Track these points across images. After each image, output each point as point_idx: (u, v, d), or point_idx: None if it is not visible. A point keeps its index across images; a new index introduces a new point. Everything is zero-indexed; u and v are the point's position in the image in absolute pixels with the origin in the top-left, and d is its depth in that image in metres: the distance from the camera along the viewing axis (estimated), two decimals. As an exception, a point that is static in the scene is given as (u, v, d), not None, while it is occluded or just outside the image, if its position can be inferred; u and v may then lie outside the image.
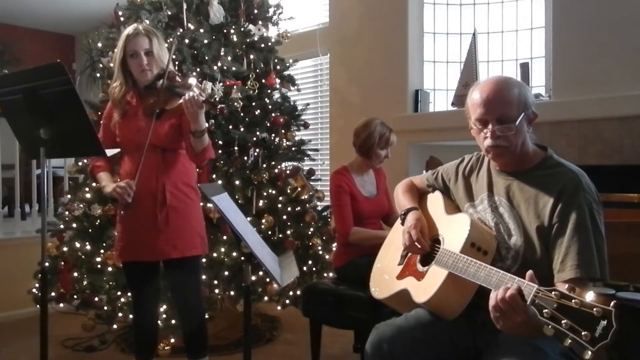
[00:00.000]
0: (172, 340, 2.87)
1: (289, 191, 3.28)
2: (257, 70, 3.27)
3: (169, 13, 3.04)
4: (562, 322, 1.07)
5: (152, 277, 2.24)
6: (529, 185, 1.50)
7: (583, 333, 1.04)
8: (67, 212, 3.04)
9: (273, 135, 3.27)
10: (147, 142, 2.09)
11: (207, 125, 2.11)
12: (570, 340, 1.05)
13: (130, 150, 2.18)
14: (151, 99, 2.14)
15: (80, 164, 3.15)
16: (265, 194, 3.11)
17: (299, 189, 3.31)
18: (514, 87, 1.49)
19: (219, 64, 3.06)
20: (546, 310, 1.11)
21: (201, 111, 2.00)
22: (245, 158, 3.12)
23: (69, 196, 3.16)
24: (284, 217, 3.17)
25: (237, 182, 3.00)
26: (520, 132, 1.48)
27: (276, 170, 3.24)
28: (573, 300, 1.08)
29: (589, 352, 1.03)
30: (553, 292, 1.12)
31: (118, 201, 2.18)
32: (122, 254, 2.20)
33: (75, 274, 2.93)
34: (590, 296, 1.08)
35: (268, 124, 3.23)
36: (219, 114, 2.15)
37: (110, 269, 2.81)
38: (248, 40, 3.27)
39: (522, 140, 1.49)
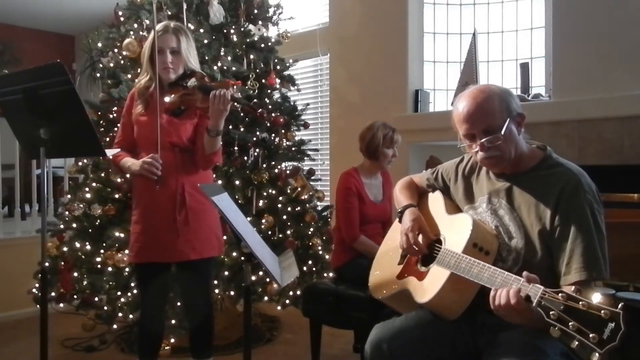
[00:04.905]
0: (172, 340, 2.87)
1: (289, 191, 3.28)
2: (257, 70, 3.26)
3: (169, 13, 3.04)
4: (570, 324, 1.07)
5: (163, 277, 2.23)
6: (529, 187, 1.50)
7: (591, 335, 1.04)
8: (67, 212, 3.03)
9: (273, 135, 3.27)
10: (167, 139, 2.11)
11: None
12: (577, 342, 1.05)
13: (147, 149, 2.15)
14: (177, 96, 2.13)
15: (80, 164, 3.15)
16: (265, 194, 3.11)
17: (299, 189, 3.31)
18: (493, 95, 1.49)
19: (219, 64, 3.06)
20: (553, 312, 1.11)
21: (225, 111, 2.03)
22: (245, 158, 3.12)
23: (69, 196, 3.15)
24: (284, 217, 3.17)
25: (237, 182, 3.00)
26: (510, 137, 1.47)
27: (276, 170, 3.24)
28: (580, 302, 1.08)
29: (597, 355, 1.02)
30: (560, 294, 1.12)
31: (133, 198, 2.17)
32: (139, 255, 2.17)
33: (75, 274, 2.92)
34: (597, 298, 1.08)
35: (268, 124, 3.22)
36: (259, 118, 2.17)
37: (110, 269, 2.80)
38: (248, 40, 3.27)
39: (514, 144, 1.49)
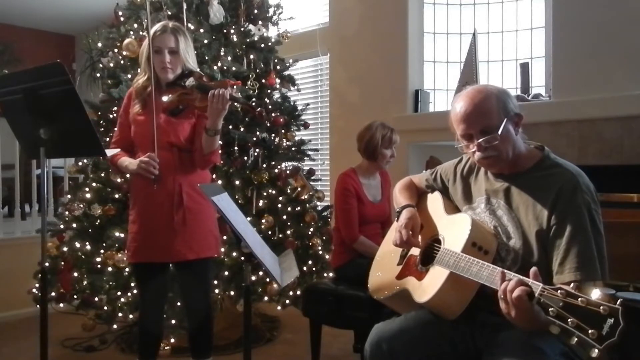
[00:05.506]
0: (172, 340, 2.88)
1: (289, 191, 3.28)
2: (257, 70, 3.26)
3: (169, 13, 3.04)
4: (569, 320, 1.07)
5: (161, 277, 2.24)
6: (526, 188, 1.50)
7: (590, 331, 1.04)
8: (67, 212, 3.03)
9: (273, 135, 3.27)
10: (164, 139, 2.11)
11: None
12: (576, 339, 1.05)
13: (145, 148, 2.15)
14: (175, 96, 2.13)
15: (80, 164, 3.15)
16: (265, 194, 3.11)
17: (299, 189, 3.31)
18: (490, 95, 1.49)
19: (219, 64, 3.06)
20: (552, 308, 1.11)
21: (224, 110, 2.02)
22: (245, 158, 3.12)
23: (69, 196, 3.16)
24: (284, 217, 3.17)
25: (237, 182, 3.00)
26: (507, 138, 1.48)
27: (276, 170, 3.24)
28: (579, 299, 1.08)
29: (596, 351, 1.02)
30: (559, 291, 1.12)
31: (131, 199, 2.17)
32: (136, 255, 2.18)
33: (75, 274, 2.93)
34: (596, 294, 1.08)
35: (268, 124, 3.23)
36: (258, 116, 2.15)
37: (110, 269, 2.81)
38: (248, 40, 3.27)
39: (511, 145, 1.49)
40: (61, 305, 2.98)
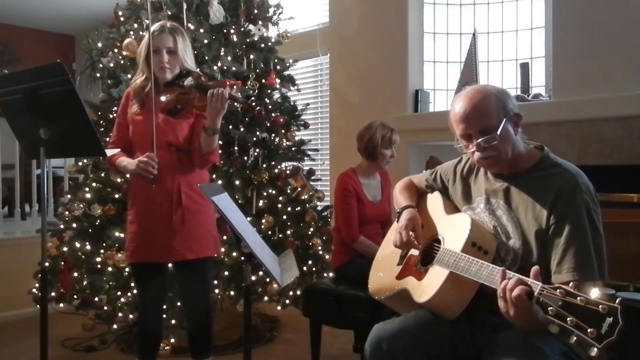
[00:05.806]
0: (172, 340, 2.88)
1: (289, 191, 3.28)
2: (257, 70, 3.26)
3: (169, 13, 3.04)
4: (568, 319, 1.07)
5: (160, 276, 2.24)
6: (526, 188, 1.50)
7: (589, 330, 1.04)
8: (67, 212, 3.04)
9: (273, 135, 3.27)
10: (163, 139, 2.11)
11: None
12: (575, 338, 1.05)
13: (143, 148, 2.15)
14: (174, 96, 2.13)
15: (80, 164, 3.15)
16: (265, 194, 3.11)
17: (299, 189, 3.31)
18: (490, 95, 1.49)
19: (219, 64, 3.06)
20: (551, 307, 1.11)
21: (223, 110, 2.02)
22: (245, 158, 3.12)
23: (69, 196, 3.16)
24: (284, 217, 3.17)
25: (237, 182, 3.00)
26: (507, 138, 1.48)
27: (276, 170, 3.24)
28: (578, 298, 1.08)
29: (595, 349, 1.02)
30: (558, 290, 1.12)
31: (128, 199, 2.17)
32: (134, 255, 2.18)
33: (75, 274, 2.93)
34: (595, 293, 1.08)
35: (268, 124, 3.23)
36: (258, 115, 2.15)
37: (110, 269, 2.81)
38: (248, 40, 3.27)
39: (510, 145, 1.49)
40: (61, 305, 2.98)
